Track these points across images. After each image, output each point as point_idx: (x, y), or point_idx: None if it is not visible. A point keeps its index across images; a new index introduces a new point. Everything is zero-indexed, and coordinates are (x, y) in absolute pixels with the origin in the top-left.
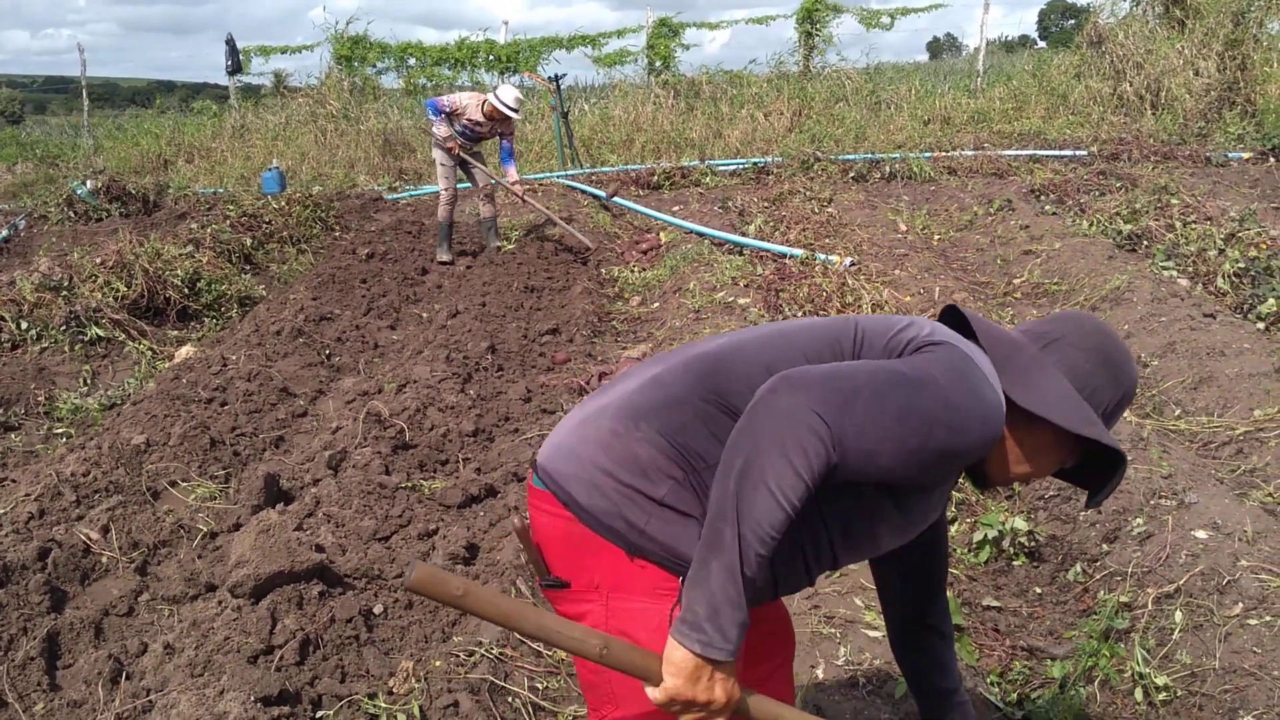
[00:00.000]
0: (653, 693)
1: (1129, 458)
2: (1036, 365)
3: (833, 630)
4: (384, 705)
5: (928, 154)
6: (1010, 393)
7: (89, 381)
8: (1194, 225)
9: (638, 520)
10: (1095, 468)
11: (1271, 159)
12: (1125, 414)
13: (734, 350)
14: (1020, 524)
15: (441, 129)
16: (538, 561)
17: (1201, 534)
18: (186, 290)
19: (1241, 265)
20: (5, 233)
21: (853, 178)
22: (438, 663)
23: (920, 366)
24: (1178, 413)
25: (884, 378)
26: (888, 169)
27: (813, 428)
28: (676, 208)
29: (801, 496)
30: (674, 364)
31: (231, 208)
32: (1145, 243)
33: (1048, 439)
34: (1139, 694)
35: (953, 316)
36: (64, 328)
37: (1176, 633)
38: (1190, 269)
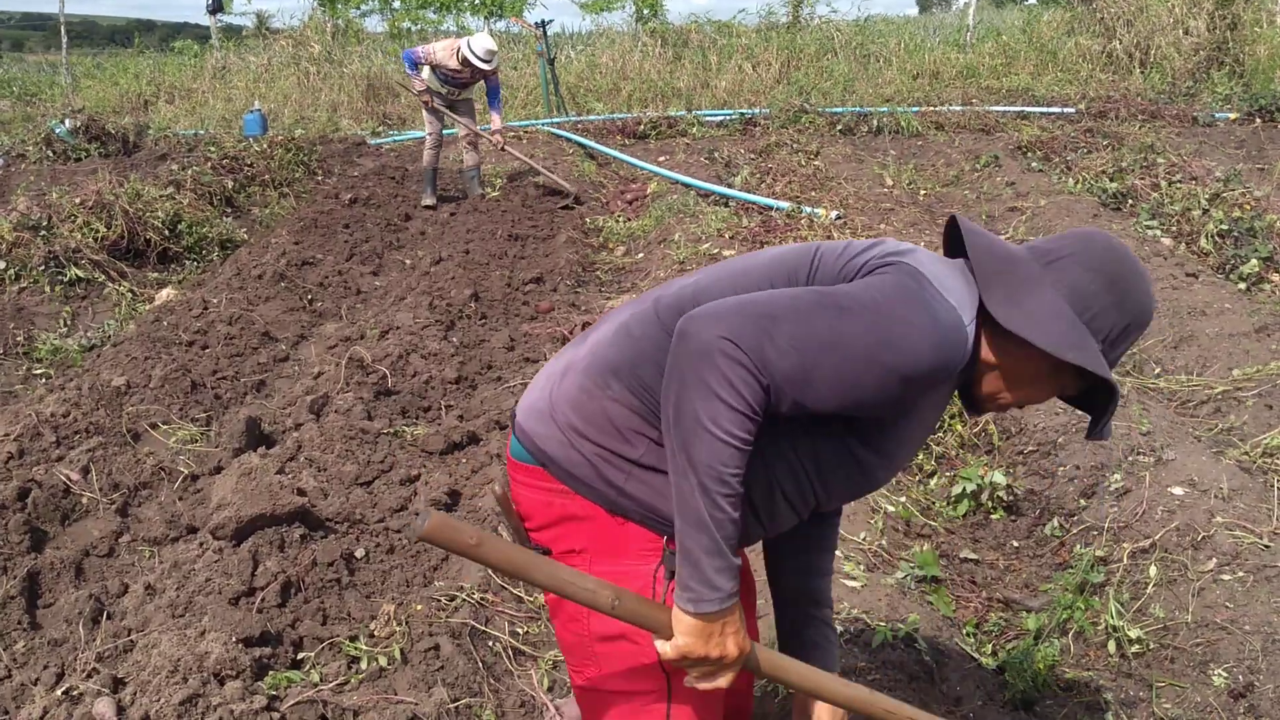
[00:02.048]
0: (664, 648)
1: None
2: (1030, 282)
3: None
4: (365, 648)
5: (916, 109)
6: (993, 310)
7: (68, 322)
8: (1179, 185)
9: (616, 479)
10: (1101, 395)
11: (1258, 120)
12: None
13: (702, 293)
14: (999, 478)
15: (418, 83)
16: (519, 530)
17: (1178, 490)
18: (167, 232)
19: (1225, 226)
20: None
21: (840, 131)
22: (419, 606)
23: (857, 293)
24: (1157, 371)
25: (808, 303)
26: (875, 123)
27: (730, 355)
28: (663, 158)
29: (743, 426)
30: (643, 309)
31: (213, 149)
32: (1130, 201)
33: (1040, 363)
34: (1112, 646)
35: (953, 230)
36: (43, 268)
37: (1150, 587)
38: (1174, 228)
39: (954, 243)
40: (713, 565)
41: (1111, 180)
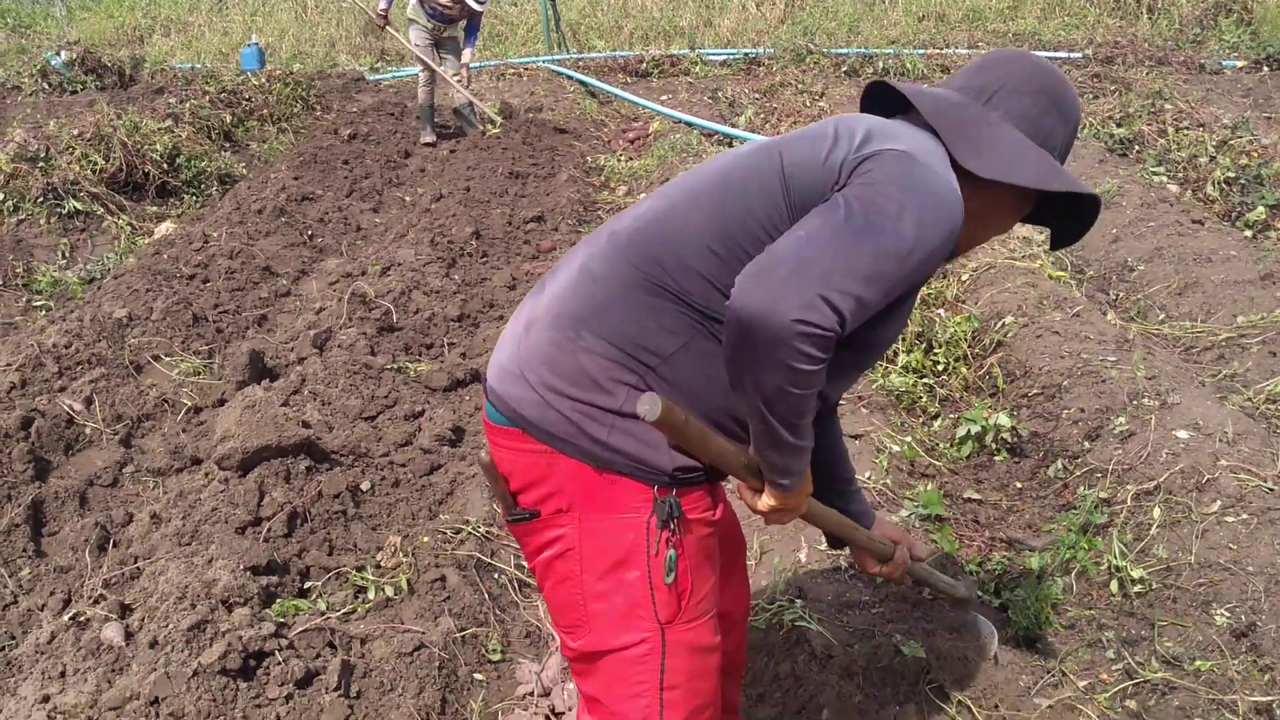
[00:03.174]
0: (755, 501)
1: (1114, 359)
2: (986, 126)
3: None
4: (372, 578)
5: (921, 51)
6: (967, 164)
7: (67, 255)
8: (1186, 131)
9: (599, 434)
10: (1055, 206)
11: (1265, 68)
12: (1109, 316)
13: (664, 222)
14: (1004, 420)
15: (382, 2)
16: (504, 495)
17: (1183, 434)
18: (166, 166)
19: (1232, 173)
20: None
21: (845, 72)
22: (425, 539)
23: (871, 207)
24: (1162, 317)
25: (844, 239)
26: (880, 65)
27: (805, 334)
28: (665, 97)
29: (821, 376)
30: (601, 247)
31: (210, 83)
32: (1137, 148)
33: (1009, 198)
34: (1115, 586)
35: (878, 91)
36: (41, 199)
37: (1154, 528)
38: (1181, 175)
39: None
40: (793, 462)
41: (1119, 126)
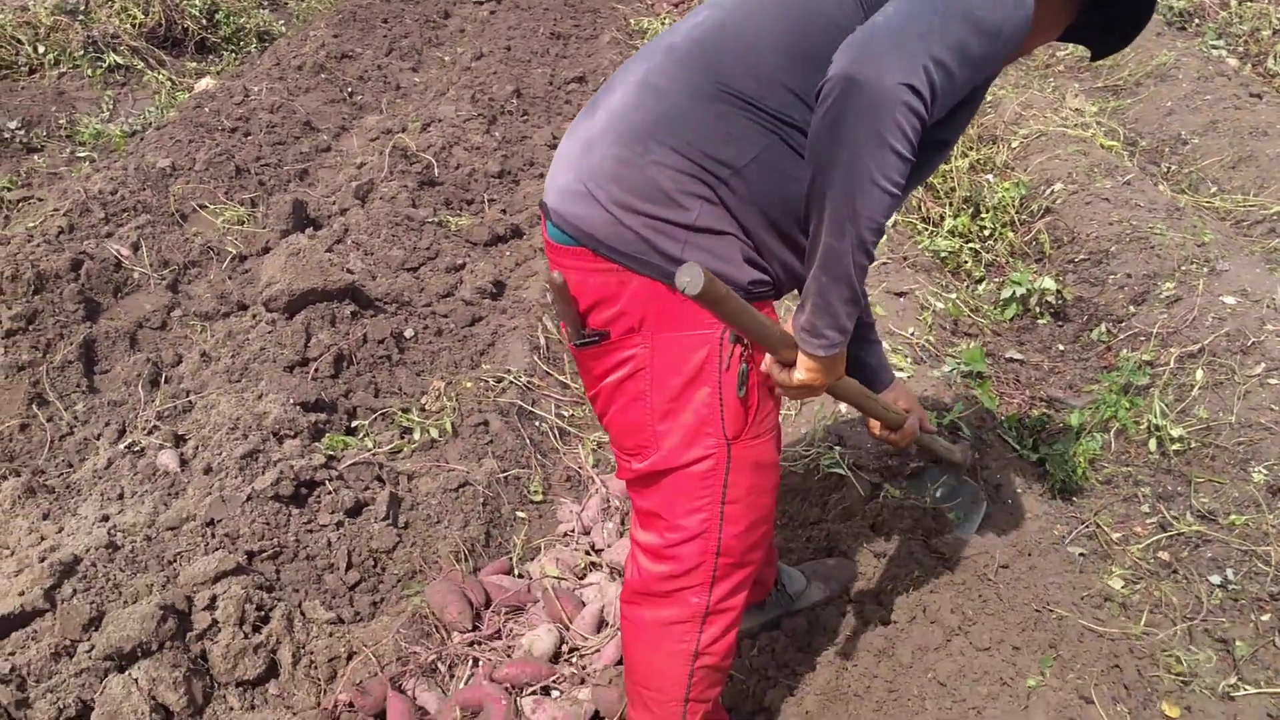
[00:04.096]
0: (786, 378)
1: (1160, 224)
2: None
3: None
4: (417, 420)
5: None
6: None
7: (110, 108)
8: (1249, 4)
9: (672, 250)
10: (1093, 19)
11: None
12: (1161, 187)
13: (728, 29)
14: (1049, 284)
15: None
16: (573, 317)
17: (1230, 299)
18: (205, 21)
19: None
20: None
21: None
22: (468, 385)
23: None
24: (1214, 190)
25: (937, 6)
26: None
27: (909, 105)
28: None
29: (905, 174)
30: (660, 62)
31: None
32: (1197, 21)
33: (1059, 4)
34: (1153, 444)
35: None
36: (82, 53)
37: (1196, 389)
38: (1241, 49)
39: None
40: (846, 311)
41: None
